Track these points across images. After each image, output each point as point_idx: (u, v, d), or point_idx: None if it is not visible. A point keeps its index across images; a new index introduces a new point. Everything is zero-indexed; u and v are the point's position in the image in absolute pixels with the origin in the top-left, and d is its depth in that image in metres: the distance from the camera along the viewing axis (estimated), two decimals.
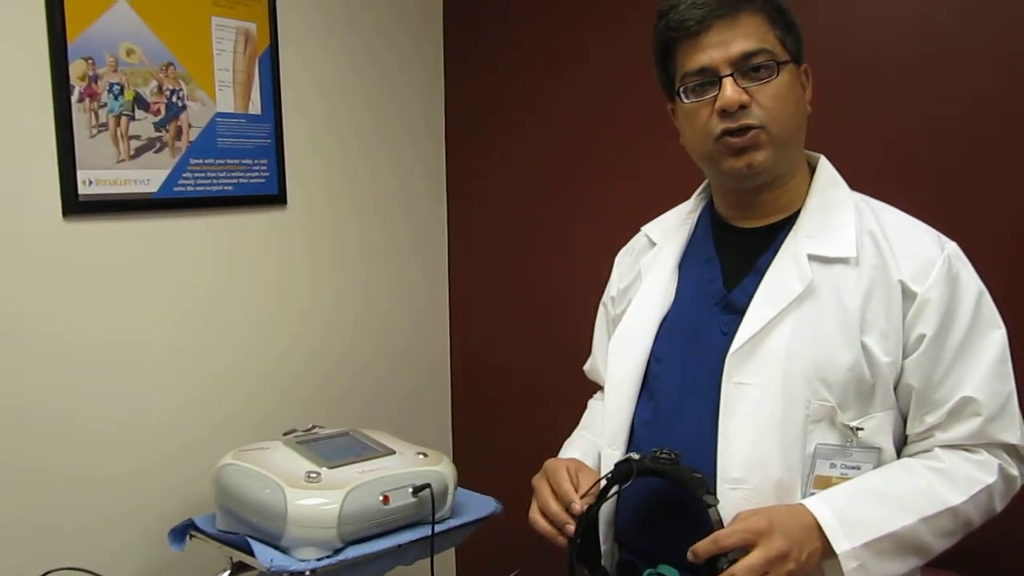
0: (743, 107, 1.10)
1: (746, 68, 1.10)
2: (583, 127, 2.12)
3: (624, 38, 2.00)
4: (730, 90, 1.09)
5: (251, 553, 1.48)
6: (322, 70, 2.08)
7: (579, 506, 1.11)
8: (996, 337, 1.11)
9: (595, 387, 1.49)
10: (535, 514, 1.16)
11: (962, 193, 1.60)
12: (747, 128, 1.11)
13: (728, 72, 1.10)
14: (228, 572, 1.59)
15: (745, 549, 0.99)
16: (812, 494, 1.08)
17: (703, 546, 1.00)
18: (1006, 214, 1.57)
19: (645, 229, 1.37)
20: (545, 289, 2.24)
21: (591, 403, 1.48)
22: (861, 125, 1.69)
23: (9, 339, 1.58)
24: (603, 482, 1.13)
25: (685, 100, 1.15)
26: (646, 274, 1.29)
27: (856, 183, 1.23)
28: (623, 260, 1.40)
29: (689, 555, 1.01)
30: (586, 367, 1.49)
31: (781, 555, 0.98)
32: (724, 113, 1.10)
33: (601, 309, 1.44)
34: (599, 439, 1.29)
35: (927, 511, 1.05)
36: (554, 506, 1.13)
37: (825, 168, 1.21)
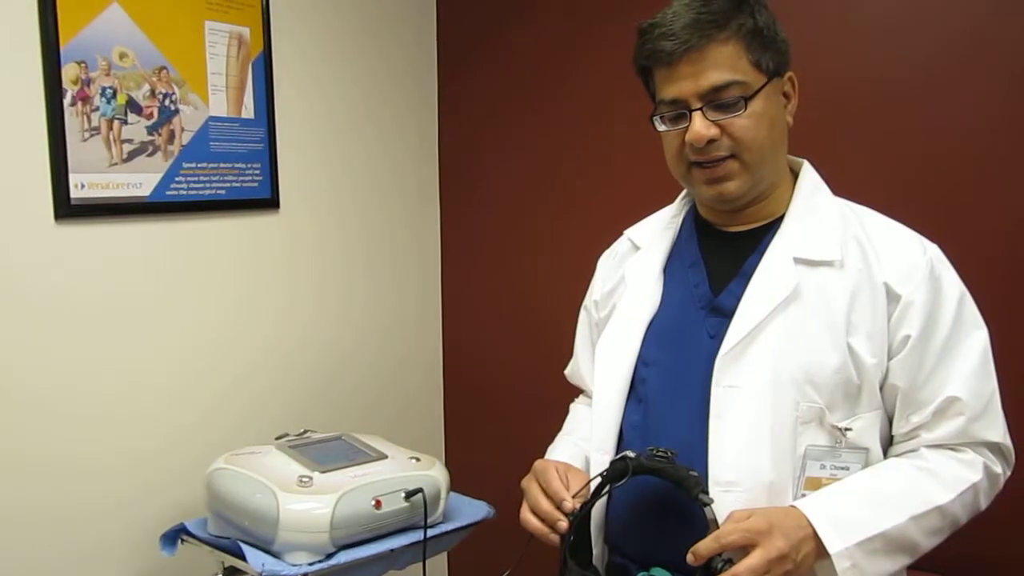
0: (712, 140, 1.11)
1: (716, 102, 1.10)
2: (574, 135, 2.13)
3: (614, 46, 2.00)
4: (698, 124, 1.10)
5: (243, 558, 1.48)
6: (315, 75, 2.08)
7: (571, 504, 1.11)
8: (978, 337, 1.13)
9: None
10: (526, 513, 1.16)
11: (951, 194, 1.62)
12: (717, 159, 1.12)
13: (698, 106, 1.11)
14: None
15: (742, 550, 0.99)
16: (803, 495, 1.08)
17: (705, 545, 1.00)
18: (992, 215, 1.59)
19: (628, 233, 1.37)
20: (537, 294, 2.24)
21: (573, 407, 1.47)
22: (854, 132, 1.71)
23: None
24: (597, 480, 1.13)
25: (659, 128, 1.17)
26: (631, 278, 1.29)
27: (844, 188, 1.24)
28: (605, 264, 1.40)
29: (689, 557, 1.01)
30: (567, 371, 1.48)
31: (781, 556, 0.99)
32: (693, 146, 1.12)
33: (583, 313, 1.44)
34: (585, 443, 1.29)
35: (916, 510, 1.06)
36: (545, 504, 1.13)
37: (808, 174, 1.22)
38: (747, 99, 1.10)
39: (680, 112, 1.13)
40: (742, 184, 1.14)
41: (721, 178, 1.13)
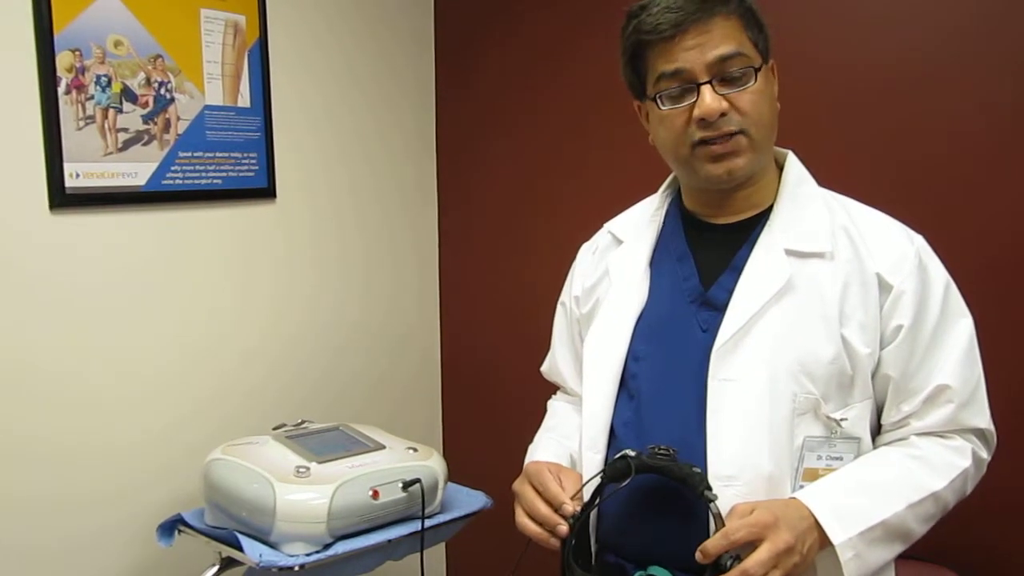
0: (723, 115, 1.09)
1: (723, 74, 1.09)
2: (573, 125, 2.12)
3: (613, 37, 1.99)
4: (709, 98, 1.09)
5: (240, 548, 1.47)
6: (312, 63, 2.07)
7: (571, 507, 1.10)
8: (964, 325, 1.14)
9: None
10: (523, 518, 1.14)
11: (935, 185, 1.62)
12: (727, 135, 1.11)
13: (706, 79, 1.09)
14: (217, 568, 1.58)
15: (750, 544, 0.99)
16: (801, 487, 1.08)
17: (714, 543, 1.00)
18: (980, 208, 1.59)
19: (608, 226, 1.35)
20: (536, 285, 2.23)
21: (552, 404, 1.45)
22: (840, 124, 1.70)
23: None
24: (596, 481, 1.11)
25: (661, 107, 1.14)
26: (616, 273, 1.27)
27: (827, 179, 1.23)
28: (585, 258, 1.37)
29: (698, 555, 1.00)
30: (544, 368, 1.46)
31: (788, 548, 0.98)
32: (703, 121, 1.10)
33: (560, 309, 1.41)
34: (567, 440, 1.28)
35: (912, 497, 1.07)
36: (543, 509, 1.12)
37: (794, 164, 1.21)
38: (756, 69, 1.10)
39: (684, 88, 1.11)
40: (748, 161, 1.12)
41: (730, 153, 1.11)
